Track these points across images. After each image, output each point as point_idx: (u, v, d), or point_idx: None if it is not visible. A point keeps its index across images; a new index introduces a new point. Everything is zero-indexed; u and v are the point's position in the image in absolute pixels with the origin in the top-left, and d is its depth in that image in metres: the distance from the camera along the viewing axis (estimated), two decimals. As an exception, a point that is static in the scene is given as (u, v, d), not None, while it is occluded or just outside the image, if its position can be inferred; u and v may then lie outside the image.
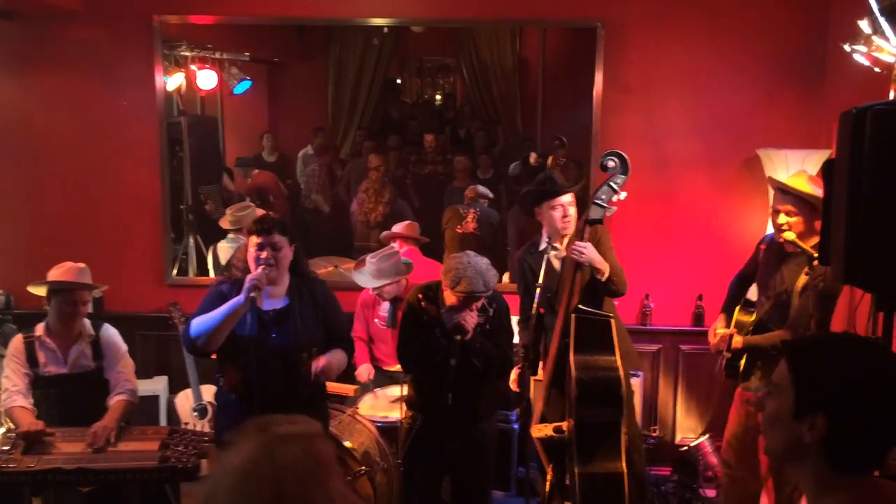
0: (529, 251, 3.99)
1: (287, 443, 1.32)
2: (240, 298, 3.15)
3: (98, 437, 3.45)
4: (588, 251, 3.55)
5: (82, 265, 3.77)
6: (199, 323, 3.21)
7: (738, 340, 3.66)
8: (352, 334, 4.46)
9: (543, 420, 3.74)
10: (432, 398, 3.46)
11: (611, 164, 3.54)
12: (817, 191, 3.45)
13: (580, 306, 3.55)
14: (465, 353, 3.35)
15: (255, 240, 3.25)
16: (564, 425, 3.60)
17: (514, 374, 3.89)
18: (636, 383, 4.61)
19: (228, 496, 1.28)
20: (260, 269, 3.18)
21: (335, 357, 3.38)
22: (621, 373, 3.41)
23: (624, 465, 3.38)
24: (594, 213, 3.57)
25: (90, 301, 3.80)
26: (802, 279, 3.51)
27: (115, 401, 3.70)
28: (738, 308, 3.85)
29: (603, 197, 3.55)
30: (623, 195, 3.58)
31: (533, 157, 5.09)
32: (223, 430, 3.37)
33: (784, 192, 3.57)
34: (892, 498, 1.49)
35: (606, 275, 3.62)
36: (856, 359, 1.50)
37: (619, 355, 3.46)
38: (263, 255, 3.22)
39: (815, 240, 3.31)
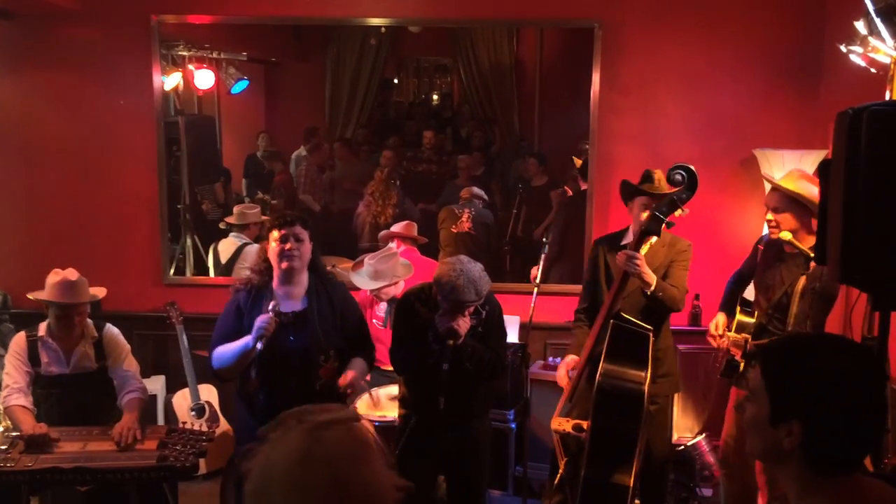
0: (611, 242, 3.87)
1: (329, 428, 1.31)
2: (248, 342, 3.16)
3: (124, 437, 3.46)
4: (640, 263, 3.49)
5: (76, 277, 3.69)
6: (218, 358, 3.30)
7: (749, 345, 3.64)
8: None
9: (567, 414, 3.73)
10: (425, 400, 3.45)
11: (678, 177, 3.45)
12: (805, 188, 3.50)
13: (621, 314, 3.52)
14: (458, 357, 3.33)
15: (276, 234, 3.25)
16: (585, 424, 3.58)
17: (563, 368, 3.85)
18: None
19: (284, 490, 1.26)
20: (269, 315, 3.16)
21: (358, 368, 3.40)
22: (645, 389, 3.34)
23: (632, 480, 3.35)
24: (652, 224, 3.48)
25: (88, 309, 3.79)
26: (802, 281, 3.52)
27: (129, 399, 3.71)
28: (738, 309, 3.85)
29: (664, 209, 3.45)
30: (685, 211, 3.52)
31: (577, 161, 5.08)
32: (244, 432, 3.42)
33: (773, 189, 3.61)
34: (872, 496, 1.49)
35: (651, 288, 3.56)
36: (826, 363, 1.48)
37: (650, 372, 3.39)
38: (287, 246, 3.22)
39: (812, 239, 3.35)
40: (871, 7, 3.22)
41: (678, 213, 3.50)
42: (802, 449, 1.47)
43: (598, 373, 3.37)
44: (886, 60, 3.47)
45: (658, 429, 3.84)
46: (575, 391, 3.70)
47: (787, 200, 3.52)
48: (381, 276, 4.28)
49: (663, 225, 3.48)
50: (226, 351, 3.27)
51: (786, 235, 3.56)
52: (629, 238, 3.80)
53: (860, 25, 3.48)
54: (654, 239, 3.57)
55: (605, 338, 3.46)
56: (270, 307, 3.18)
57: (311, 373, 3.30)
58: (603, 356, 3.41)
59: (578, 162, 5.14)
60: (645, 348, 3.41)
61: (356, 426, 1.37)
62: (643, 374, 3.36)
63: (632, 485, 3.35)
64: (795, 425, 1.46)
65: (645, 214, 3.59)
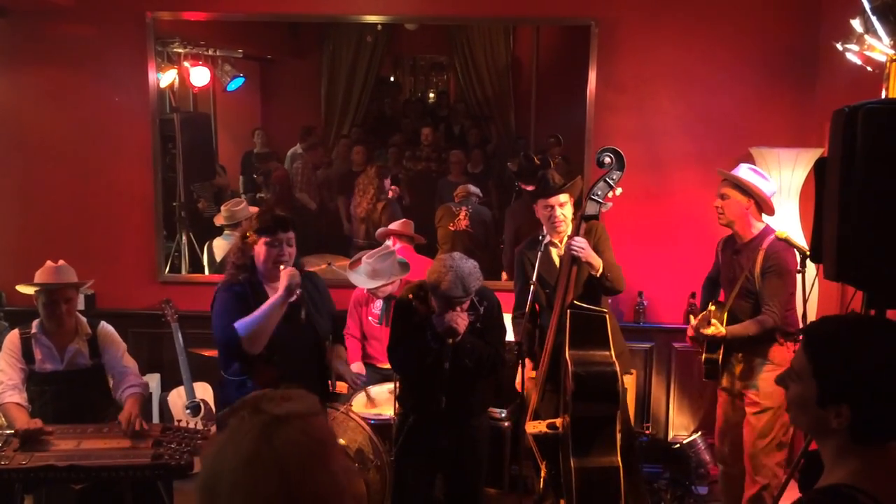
0: (530, 246, 3.99)
1: (285, 425, 1.27)
2: (280, 297, 3.11)
3: (132, 423, 3.48)
4: (586, 247, 3.58)
5: (61, 263, 3.75)
6: (245, 327, 3.12)
7: (720, 330, 3.70)
8: (344, 331, 4.50)
9: (537, 416, 3.76)
10: (425, 399, 3.45)
11: (607, 159, 3.60)
12: (746, 174, 3.77)
13: (576, 302, 3.58)
14: (457, 354, 3.34)
15: (268, 238, 3.21)
16: (558, 421, 3.61)
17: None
18: (629, 381, 4.63)
19: (231, 490, 1.23)
20: (292, 268, 3.17)
21: (345, 355, 3.55)
22: (617, 367, 3.44)
23: (619, 458, 3.41)
24: (590, 208, 3.63)
25: (76, 298, 3.79)
26: (759, 262, 3.70)
27: (129, 394, 3.71)
28: (711, 306, 3.92)
29: (598, 193, 3.61)
30: (619, 191, 3.64)
31: (536, 158, 5.09)
32: None
33: (723, 178, 3.85)
34: None
35: (600, 271, 3.65)
36: (872, 345, 1.56)
37: (613, 350, 3.49)
38: (284, 254, 3.21)
39: (750, 223, 3.77)
40: (867, 5, 3.22)
41: (611, 194, 3.63)
42: (849, 427, 1.54)
43: (569, 363, 3.44)
44: (882, 59, 3.47)
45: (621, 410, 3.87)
46: (544, 392, 3.75)
47: (731, 188, 3.78)
48: (379, 274, 4.28)
49: (601, 207, 3.63)
50: (253, 319, 3.12)
51: (782, 234, 3.65)
52: (547, 238, 3.91)
53: (856, 24, 3.49)
54: (569, 229, 3.78)
55: (563, 330, 3.55)
56: (283, 265, 3.20)
57: (322, 359, 3.36)
58: (567, 346, 3.49)
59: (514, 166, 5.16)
60: (605, 329, 3.53)
61: (314, 421, 1.31)
62: (608, 353, 3.49)
63: (620, 463, 3.42)
64: (844, 408, 1.53)
65: (559, 212, 3.79)
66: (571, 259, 3.60)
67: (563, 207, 3.81)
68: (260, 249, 3.24)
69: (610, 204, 3.65)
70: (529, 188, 5.05)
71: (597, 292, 3.74)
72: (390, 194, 5.28)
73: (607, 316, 3.56)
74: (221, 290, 3.31)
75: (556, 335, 3.62)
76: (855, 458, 1.54)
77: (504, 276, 5.16)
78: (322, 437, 1.31)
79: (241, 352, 3.16)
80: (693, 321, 3.88)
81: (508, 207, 5.25)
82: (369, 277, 4.28)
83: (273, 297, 3.14)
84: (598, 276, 3.66)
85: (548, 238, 3.91)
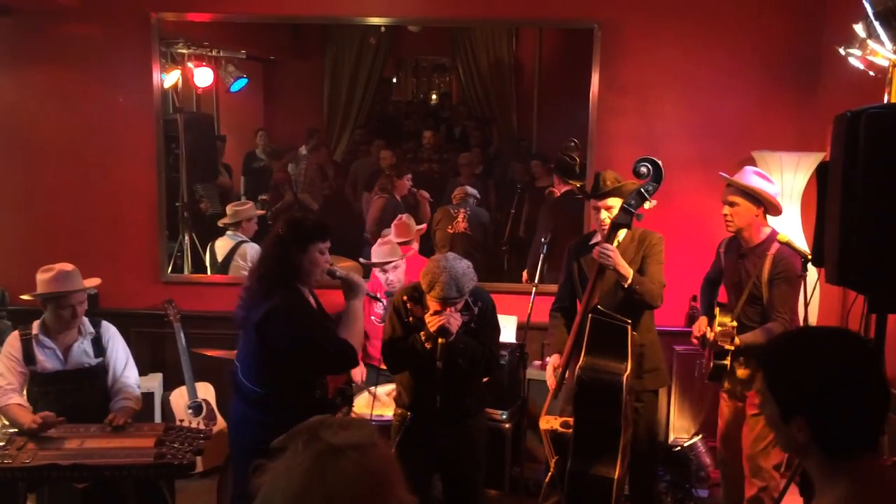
0: (580, 242, 3.99)
1: (340, 457, 1.22)
2: (360, 300, 3.29)
3: (118, 418, 3.55)
4: (612, 255, 3.55)
5: (69, 267, 3.70)
6: (354, 336, 3.20)
7: (736, 340, 3.69)
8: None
9: (554, 412, 3.76)
10: (420, 398, 3.47)
11: (643, 169, 3.52)
12: (754, 181, 3.70)
13: (599, 307, 3.56)
14: (451, 354, 3.34)
15: (321, 245, 3.24)
16: (572, 421, 3.61)
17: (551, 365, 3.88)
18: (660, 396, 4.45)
19: None
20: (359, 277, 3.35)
21: None
22: (624, 380, 3.40)
23: (616, 472, 3.39)
24: (621, 217, 3.57)
25: (86, 299, 3.79)
26: (766, 269, 3.67)
27: (121, 406, 3.71)
28: (717, 310, 3.91)
29: (632, 202, 3.53)
30: (654, 203, 3.57)
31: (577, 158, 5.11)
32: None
33: (727, 185, 3.78)
34: (891, 479, 1.59)
35: (628, 282, 3.60)
36: (817, 354, 1.59)
37: (630, 363, 3.45)
38: (329, 259, 3.30)
39: (759, 229, 3.72)
40: (870, 10, 3.23)
41: (647, 205, 3.57)
42: (814, 440, 1.56)
43: (578, 366, 3.43)
44: (885, 63, 3.48)
45: (645, 426, 3.87)
46: (560, 388, 3.75)
47: (740, 195, 3.71)
48: (382, 255, 4.50)
49: (633, 217, 3.57)
50: (355, 329, 3.21)
51: (783, 237, 3.65)
52: (597, 238, 3.87)
53: (859, 28, 3.50)
54: (622, 234, 3.68)
55: (583, 332, 3.53)
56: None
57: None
58: (583, 350, 3.48)
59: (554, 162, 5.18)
60: (624, 340, 3.48)
61: (372, 453, 1.25)
62: (623, 365, 3.44)
63: (616, 478, 3.39)
64: (801, 420, 1.56)
65: (604, 215, 3.70)
66: (599, 265, 3.58)
67: (611, 211, 3.70)
68: (313, 257, 3.20)
69: (643, 215, 3.57)
70: (565, 188, 5.05)
71: (636, 303, 3.68)
72: (419, 198, 5.33)
73: (629, 328, 3.50)
74: (293, 306, 3.16)
75: (576, 336, 3.61)
76: (842, 479, 1.55)
77: (524, 276, 5.17)
78: (379, 470, 1.25)
79: (356, 360, 3.24)
80: (709, 332, 3.82)
81: (544, 204, 5.21)
82: (378, 258, 4.50)
83: (356, 301, 3.28)
84: (625, 286, 3.61)
85: (596, 237, 3.86)
